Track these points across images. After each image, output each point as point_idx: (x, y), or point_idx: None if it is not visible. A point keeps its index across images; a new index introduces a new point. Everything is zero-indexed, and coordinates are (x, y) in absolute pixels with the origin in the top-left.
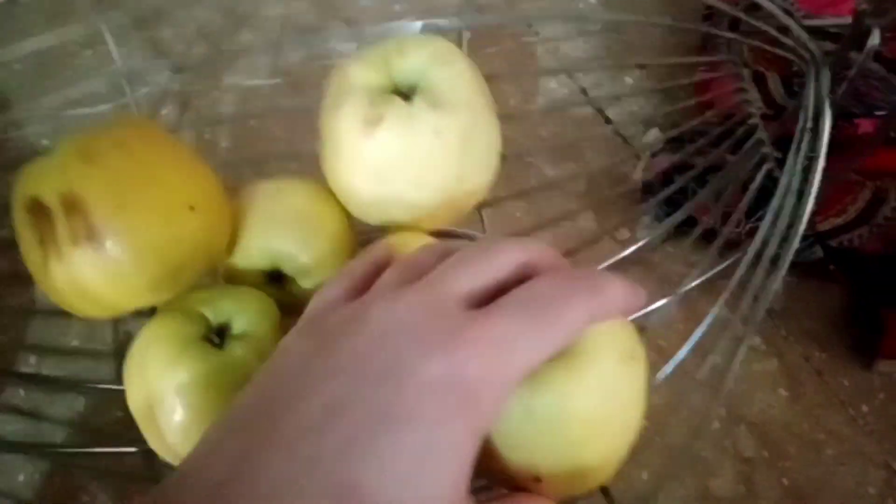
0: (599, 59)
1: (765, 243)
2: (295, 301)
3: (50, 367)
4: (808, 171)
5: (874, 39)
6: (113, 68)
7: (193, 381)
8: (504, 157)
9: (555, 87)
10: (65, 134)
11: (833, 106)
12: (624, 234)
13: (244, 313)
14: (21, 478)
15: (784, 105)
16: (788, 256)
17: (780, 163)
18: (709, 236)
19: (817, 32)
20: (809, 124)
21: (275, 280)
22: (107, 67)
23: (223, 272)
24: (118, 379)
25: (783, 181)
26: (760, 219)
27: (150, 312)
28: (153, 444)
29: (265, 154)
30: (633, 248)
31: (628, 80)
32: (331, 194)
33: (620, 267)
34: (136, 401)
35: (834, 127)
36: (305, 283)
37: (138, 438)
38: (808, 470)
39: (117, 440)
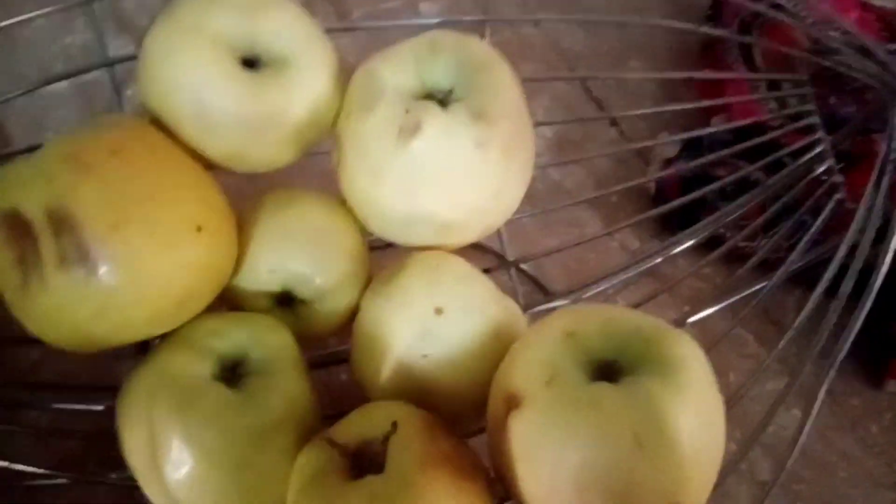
0: (601, 55)
1: (837, 280)
2: (306, 328)
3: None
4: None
5: None
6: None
7: (207, 429)
8: None
9: (557, 84)
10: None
11: None
12: (633, 243)
13: (260, 346)
14: None
15: (798, 115)
16: (868, 300)
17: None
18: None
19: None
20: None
21: (283, 304)
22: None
23: (225, 295)
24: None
25: (860, 214)
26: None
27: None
28: (154, 498)
29: None
30: (648, 258)
31: (632, 77)
32: (346, 207)
33: (630, 278)
34: (135, 449)
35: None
36: (320, 308)
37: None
38: (821, 493)
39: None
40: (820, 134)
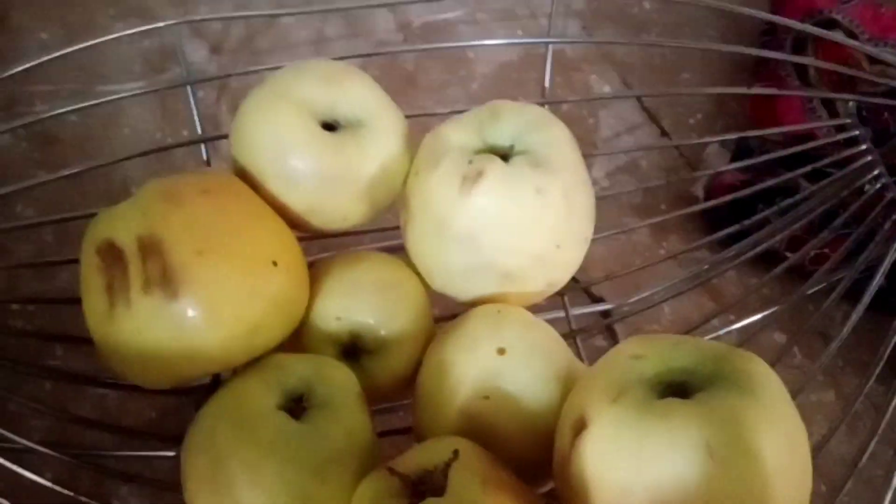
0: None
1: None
2: (371, 381)
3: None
4: None
5: None
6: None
7: (268, 456)
8: None
9: (608, 91)
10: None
11: None
12: (680, 248)
13: (325, 383)
14: (49, 475)
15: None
16: None
17: None
18: (769, 258)
19: None
20: None
21: (349, 357)
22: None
23: (293, 342)
24: None
25: None
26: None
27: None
28: None
29: None
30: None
31: (684, 89)
32: (410, 267)
33: (676, 286)
34: (200, 472)
35: None
36: (384, 360)
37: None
38: None
39: (150, 442)
40: (869, 148)
